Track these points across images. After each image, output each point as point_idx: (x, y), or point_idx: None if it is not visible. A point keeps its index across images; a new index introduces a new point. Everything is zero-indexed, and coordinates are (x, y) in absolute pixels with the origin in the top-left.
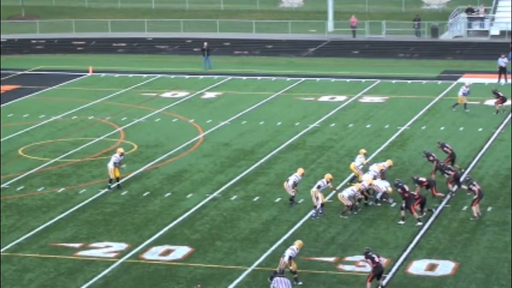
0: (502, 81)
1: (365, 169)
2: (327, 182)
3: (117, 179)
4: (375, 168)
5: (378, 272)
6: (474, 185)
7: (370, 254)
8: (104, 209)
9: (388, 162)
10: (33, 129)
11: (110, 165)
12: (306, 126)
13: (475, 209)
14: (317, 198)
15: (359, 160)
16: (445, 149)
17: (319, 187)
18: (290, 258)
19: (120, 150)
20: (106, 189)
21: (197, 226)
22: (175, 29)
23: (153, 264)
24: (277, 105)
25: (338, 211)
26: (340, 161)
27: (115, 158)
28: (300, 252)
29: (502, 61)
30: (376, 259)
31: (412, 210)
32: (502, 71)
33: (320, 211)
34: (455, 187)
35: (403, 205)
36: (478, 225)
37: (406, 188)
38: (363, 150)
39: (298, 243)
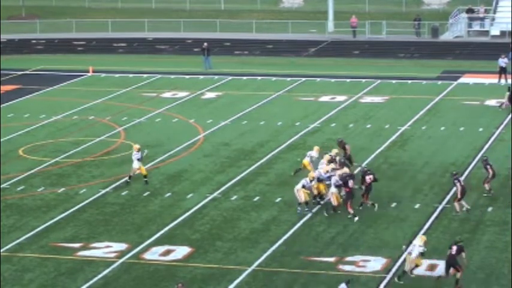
0: (502, 81)
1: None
2: (310, 181)
3: (145, 176)
4: (323, 160)
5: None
6: (459, 181)
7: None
8: (104, 209)
9: (316, 149)
10: (34, 129)
11: (135, 164)
12: (307, 126)
13: (457, 205)
14: (300, 196)
15: (310, 155)
16: (345, 146)
17: (303, 186)
18: (421, 254)
19: (136, 146)
20: (106, 189)
21: (197, 226)
22: (176, 29)
23: (153, 264)
24: (278, 105)
25: (338, 211)
26: None
27: (136, 155)
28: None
29: (502, 61)
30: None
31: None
32: (502, 71)
33: (306, 208)
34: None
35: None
36: (478, 225)
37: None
38: (317, 147)
39: (422, 238)
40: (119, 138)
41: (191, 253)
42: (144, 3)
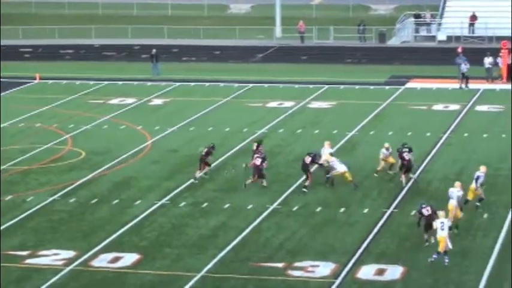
0: (463, 86)
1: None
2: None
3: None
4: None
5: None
6: (407, 154)
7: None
8: (52, 217)
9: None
10: None
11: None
12: (254, 132)
13: (404, 178)
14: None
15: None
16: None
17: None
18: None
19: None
20: (54, 197)
21: (145, 233)
22: (123, 35)
23: (102, 271)
24: (226, 111)
25: (286, 217)
26: (289, 166)
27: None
28: None
29: (465, 67)
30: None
31: None
32: (463, 76)
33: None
34: None
35: None
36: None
37: None
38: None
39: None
40: (66, 145)
41: (140, 260)
42: (91, 9)
